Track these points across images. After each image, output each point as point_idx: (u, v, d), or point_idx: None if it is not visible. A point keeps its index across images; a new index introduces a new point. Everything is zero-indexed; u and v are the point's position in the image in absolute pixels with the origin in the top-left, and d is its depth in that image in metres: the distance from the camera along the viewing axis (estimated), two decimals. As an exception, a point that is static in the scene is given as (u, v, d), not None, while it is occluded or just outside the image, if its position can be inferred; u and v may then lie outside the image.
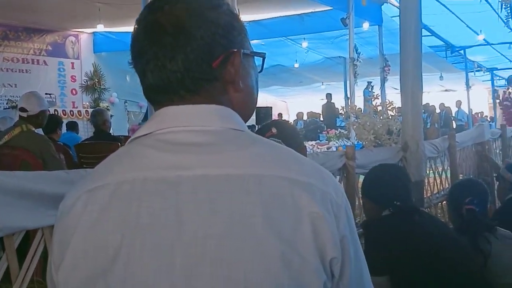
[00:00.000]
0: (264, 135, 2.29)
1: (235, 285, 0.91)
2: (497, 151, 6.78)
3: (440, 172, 5.20)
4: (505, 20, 9.02)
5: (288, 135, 2.32)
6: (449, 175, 5.24)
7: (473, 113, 23.35)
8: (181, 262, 0.93)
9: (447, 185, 5.23)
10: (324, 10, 13.52)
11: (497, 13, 9.18)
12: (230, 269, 0.91)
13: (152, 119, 1.07)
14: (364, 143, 4.59)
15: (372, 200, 2.93)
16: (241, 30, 1.11)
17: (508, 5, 8.40)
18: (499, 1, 8.72)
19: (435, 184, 5.08)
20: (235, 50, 1.07)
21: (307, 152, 3.20)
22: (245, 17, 11.32)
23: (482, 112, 26.25)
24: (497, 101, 7.91)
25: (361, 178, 4.08)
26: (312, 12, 13.87)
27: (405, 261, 2.57)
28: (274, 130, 2.31)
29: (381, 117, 4.62)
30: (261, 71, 1.21)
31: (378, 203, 2.86)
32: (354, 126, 4.59)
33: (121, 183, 0.99)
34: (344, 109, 5.57)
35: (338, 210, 1.00)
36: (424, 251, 2.60)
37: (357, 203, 3.97)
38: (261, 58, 1.21)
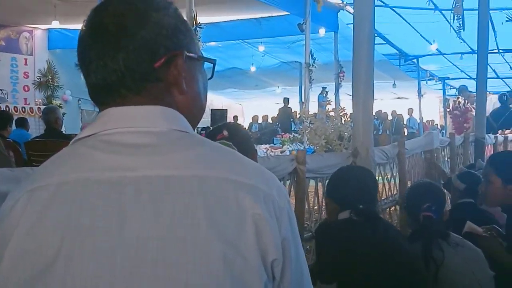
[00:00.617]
0: (215, 137, 2.29)
1: (177, 286, 0.91)
2: (446, 159, 6.92)
3: (389, 178, 5.28)
4: (457, 31, 9.23)
5: (239, 138, 2.32)
6: (397, 182, 5.33)
7: (424, 121, 23.79)
8: (122, 264, 0.92)
9: (395, 191, 5.31)
10: (282, 15, 13.63)
11: (450, 24, 9.40)
12: (171, 270, 0.92)
13: (96, 120, 1.07)
14: (315, 148, 4.64)
15: (335, 201, 2.90)
16: (188, 34, 1.11)
17: (460, 16, 8.61)
18: (451, 12, 8.93)
19: (384, 190, 5.15)
20: (179, 52, 1.08)
21: (260, 156, 3.21)
22: (203, 19, 11.26)
23: (433, 120, 26.75)
24: (447, 110, 8.12)
25: (312, 182, 4.13)
26: (269, 16, 13.96)
27: (353, 269, 2.57)
28: (225, 133, 2.31)
29: (333, 123, 4.68)
30: (211, 77, 1.21)
31: (341, 205, 2.84)
32: (307, 131, 4.63)
33: (62, 184, 0.98)
34: (298, 114, 5.60)
35: (280, 213, 1.01)
36: (373, 260, 2.60)
37: (306, 207, 4.00)
38: (212, 65, 1.22)
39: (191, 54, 1.11)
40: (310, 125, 4.69)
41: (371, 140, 4.44)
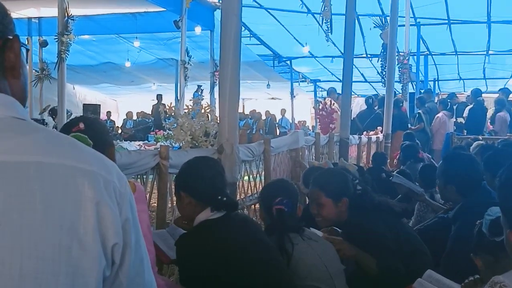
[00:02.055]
0: (71, 129, 2.25)
1: (12, 270, 0.90)
2: (311, 158, 7.14)
3: (255, 176, 5.37)
4: (326, 34, 9.55)
5: (96, 132, 2.28)
6: (263, 179, 5.44)
7: (296, 121, 24.49)
8: None
9: (261, 188, 5.39)
10: (158, 11, 13.50)
11: (321, 27, 9.70)
12: (6, 254, 0.91)
13: None
14: (181, 144, 4.64)
15: (192, 195, 2.80)
16: (11, 19, 1.10)
17: (328, 20, 8.92)
18: (320, 15, 9.24)
19: (249, 186, 5.24)
20: (13, 36, 1.07)
21: (117, 151, 3.15)
22: (76, 11, 10.93)
23: (305, 121, 27.59)
24: (315, 111, 8.41)
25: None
26: (145, 12, 13.78)
27: (217, 268, 2.60)
28: (81, 125, 2.27)
29: (200, 120, 4.70)
30: None
31: (200, 198, 2.77)
32: (173, 127, 4.62)
33: None
34: (167, 111, 5.59)
35: (121, 198, 1.03)
36: (234, 256, 2.64)
37: (169, 204, 4.00)
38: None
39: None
40: (177, 121, 4.69)
41: (236, 137, 4.51)
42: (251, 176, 5.31)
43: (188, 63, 13.92)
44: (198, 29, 14.48)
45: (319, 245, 3.14)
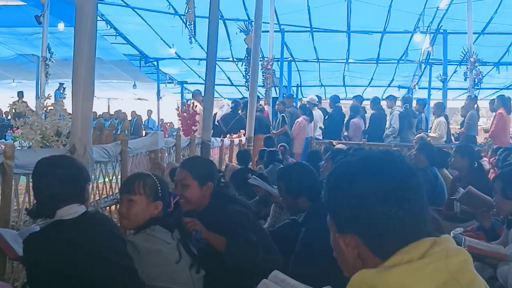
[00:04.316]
0: None
1: None
2: (172, 160, 7.10)
3: (111, 177, 5.26)
4: (189, 37, 9.57)
5: None
6: (119, 181, 5.33)
7: (164, 122, 24.35)
8: None
9: (117, 190, 5.29)
10: (18, 5, 12.92)
11: (189, 29, 9.70)
12: None
13: None
14: (31, 143, 4.45)
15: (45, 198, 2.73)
16: None
17: (192, 22, 8.94)
18: (183, 17, 9.25)
19: (105, 188, 5.12)
20: None
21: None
22: None
23: (172, 122, 27.45)
24: (177, 112, 8.39)
25: (23, 179, 3.92)
26: (4, 5, 13.12)
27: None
28: None
29: (52, 119, 4.53)
30: None
31: (54, 200, 2.71)
32: (21, 126, 4.42)
33: None
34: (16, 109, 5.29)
35: None
36: (82, 257, 2.60)
37: (15, 207, 3.81)
38: None
39: None
40: (26, 120, 4.48)
41: (89, 137, 4.39)
42: (106, 177, 5.19)
43: (50, 59, 13.43)
44: (61, 25, 14.07)
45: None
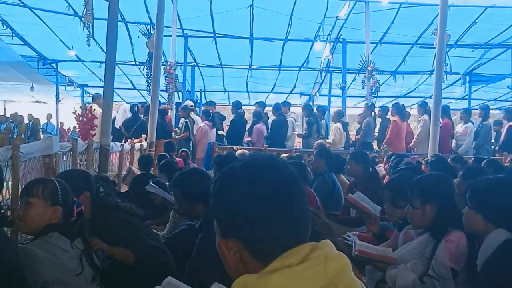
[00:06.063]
0: None
1: None
2: (67, 164, 6.90)
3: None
4: (87, 39, 9.33)
5: None
6: (10, 186, 5.13)
7: (64, 126, 23.67)
8: None
9: (8, 196, 5.09)
10: None
11: (89, 31, 9.44)
12: None
13: None
14: None
15: None
16: None
17: (90, 24, 8.74)
18: (81, 19, 9.03)
19: (-6, 194, 4.92)
20: None
21: None
22: None
23: (75, 126, 26.72)
24: (77, 116, 8.12)
25: None
26: None
27: None
28: None
29: None
30: None
31: None
32: None
33: None
34: None
35: None
36: None
37: None
38: None
39: None
40: None
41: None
42: (-5, 182, 4.98)
43: None
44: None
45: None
